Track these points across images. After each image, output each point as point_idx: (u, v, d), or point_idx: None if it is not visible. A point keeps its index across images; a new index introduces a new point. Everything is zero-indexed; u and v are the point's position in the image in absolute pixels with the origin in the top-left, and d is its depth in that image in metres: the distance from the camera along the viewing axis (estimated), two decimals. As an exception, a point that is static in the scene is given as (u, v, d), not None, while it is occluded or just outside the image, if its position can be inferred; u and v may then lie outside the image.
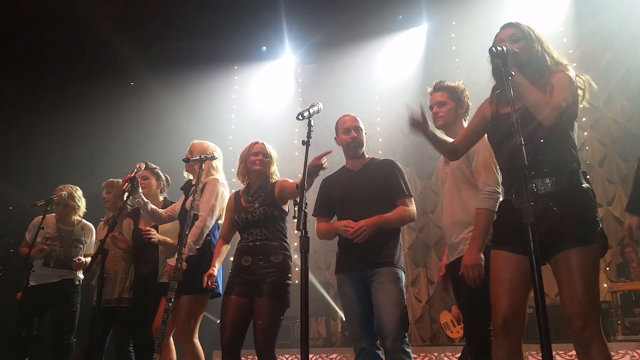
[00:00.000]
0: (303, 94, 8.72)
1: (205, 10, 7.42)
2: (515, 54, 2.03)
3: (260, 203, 3.07)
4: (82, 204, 4.33)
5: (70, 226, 4.28)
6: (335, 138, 3.11)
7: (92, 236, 4.33)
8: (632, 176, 7.98)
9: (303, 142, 2.32)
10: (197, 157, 3.23)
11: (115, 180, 4.08)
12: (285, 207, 3.15)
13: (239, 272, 3.01)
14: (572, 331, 1.91)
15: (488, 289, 2.14)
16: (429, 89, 2.90)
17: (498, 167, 2.47)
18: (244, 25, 7.80)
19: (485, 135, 2.36)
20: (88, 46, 7.36)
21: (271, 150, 3.23)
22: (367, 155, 3.08)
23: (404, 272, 2.85)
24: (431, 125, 2.35)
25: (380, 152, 7.76)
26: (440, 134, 2.45)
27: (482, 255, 2.43)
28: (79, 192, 4.33)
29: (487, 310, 2.18)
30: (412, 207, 2.91)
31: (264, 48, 8.74)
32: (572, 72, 2.09)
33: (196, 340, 3.24)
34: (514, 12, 6.98)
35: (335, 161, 3.13)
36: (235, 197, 3.22)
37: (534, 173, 1.97)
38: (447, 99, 2.79)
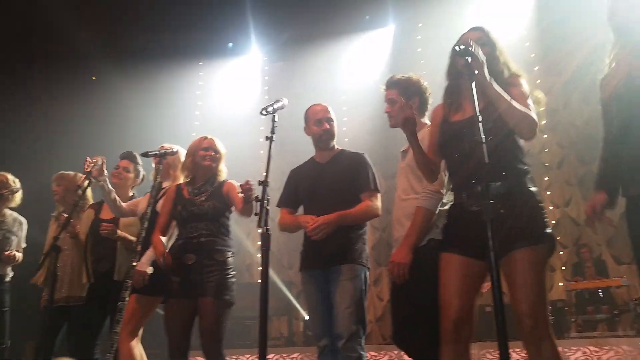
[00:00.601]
0: (269, 92, 8.65)
1: (171, 4, 7.28)
2: (479, 55, 2.05)
3: (208, 197, 2.99)
4: (17, 194, 3.98)
5: (0, 217, 3.94)
6: (304, 128, 3.00)
7: (24, 231, 4.03)
8: (590, 179, 8.23)
9: (267, 138, 2.28)
10: (157, 152, 3.14)
11: (65, 173, 3.90)
12: (232, 208, 3.08)
13: (182, 272, 2.89)
14: (523, 330, 1.93)
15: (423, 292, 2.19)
16: (382, 87, 2.81)
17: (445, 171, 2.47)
18: (210, 21, 7.69)
19: None
20: (48, 39, 7.11)
21: (221, 146, 3.15)
22: (336, 147, 2.99)
23: (368, 269, 2.79)
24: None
25: (346, 151, 7.77)
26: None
27: (411, 254, 2.40)
28: (12, 182, 4.00)
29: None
30: (377, 203, 2.83)
31: (230, 45, 8.64)
32: (525, 86, 2.13)
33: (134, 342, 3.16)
34: (479, 15, 7.12)
35: (308, 150, 3.08)
36: (177, 189, 3.12)
37: (491, 173, 1.99)
38: (397, 96, 2.68)
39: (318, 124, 2.93)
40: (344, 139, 8.20)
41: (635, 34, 1.95)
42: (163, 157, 3.13)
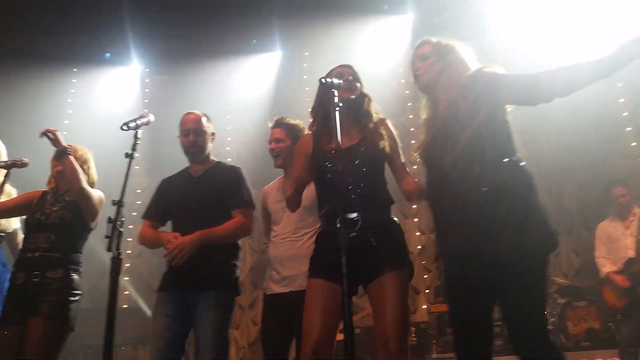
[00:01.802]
0: (149, 105, 8.27)
1: (46, 5, 6.72)
2: (351, 84, 2.16)
3: (61, 207, 2.80)
4: None
5: None
6: (178, 137, 2.87)
7: None
8: None
9: (126, 155, 2.15)
10: (3, 162, 2.84)
11: None
12: (92, 223, 2.89)
13: (12, 293, 2.65)
14: (386, 353, 2.00)
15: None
16: (270, 124, 2.87)
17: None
18: (86, 27, 7.23)
19: None
20: None
21: (86, 154, 3.06)
22: (211, 159, 2.87)
23: (238, 294, 2.67)
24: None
25: (228, 172, 7.67)
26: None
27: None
28: None
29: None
30: (249, 220, 2.70)
31: (108, 55, 8.16)
32: (392, 129, 2.34)
33: None
34: (360, 50, 7.52)
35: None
36: (42, 194, 2.96)
37: (362, 204, 2.11)
38: (284, 136, 2.80)
39: (185, 135, 2.80)
40: (227, 159, 8.18)
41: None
42: (9, 168, 2.84)
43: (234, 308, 2.69)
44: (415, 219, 7.80)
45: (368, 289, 2.12)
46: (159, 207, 2.79)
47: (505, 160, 1.90)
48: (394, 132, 2.33)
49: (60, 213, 2.79)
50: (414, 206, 7.82)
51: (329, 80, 2.04)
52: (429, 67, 2.06)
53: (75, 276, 2.75)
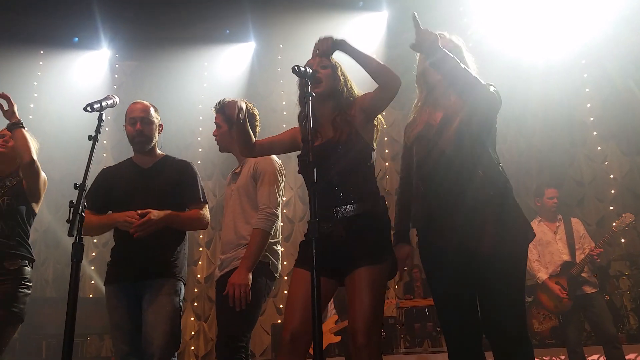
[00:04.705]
0: (119, 91, 8.08)
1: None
2: (317, 78, 2.12)
3: (4, 192, 2.68)
4: None
5: None
6: (123, 126, 2.79)
7: None
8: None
9: (89, 137, 2.07)
10: None
11: None
12: (36, 207, 2.78)
13: None
14: (354, 346, 1.99)
15: (250, 311, 2.32)
16: (212, 110, 2.84)
17: (280, 190, 2.60)
18: (54, 9, 6.98)
19: (275, 156, 2.59)
20: None
21: (32, 140, 2.85)
22: (159, 152, 2.81)
23: (184, 285, 2.66)
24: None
25: (199, 162, 7.55)
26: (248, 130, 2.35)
27: (251, 276, 2.43)
28: None
29: (241, 330, 2.38)
30: (207, 214, 2.74)
31: (76, 39, 7.91)
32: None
33: None
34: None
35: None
36: None
37: (342, 198, 2.10)
38: (221, 121, 2.78)
39: (131, 123, 2.71)
40: (198, 149, 8.09)
41: (436, 91, 2.20)
42: None
43: (182, 296, 2.63)
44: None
45: (345, 282, 2.10)
46: (99, 197, 2.67)
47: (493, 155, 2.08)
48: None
49: (4, 199, 2.65)
50: (385, 203, 7.85)
51: (300, 68, 1.99)
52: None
53: (28, 267, 2.64)
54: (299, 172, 2.17)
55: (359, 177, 2.14)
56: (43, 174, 2.80)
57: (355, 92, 2.30)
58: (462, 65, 2.01)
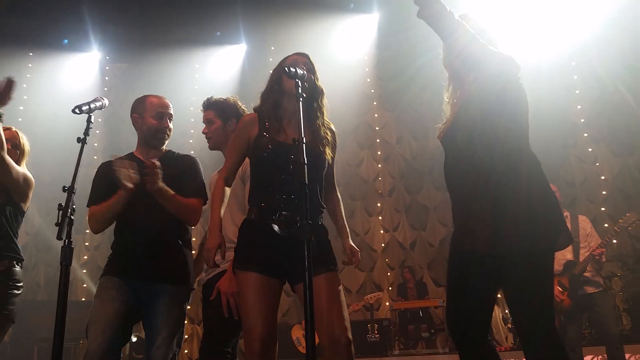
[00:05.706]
0: (109, 94, 8.02)
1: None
2: (307, 79, 2.10)
3: None
4: None
5: None
6: (134, 116, 2.66)
7: None
8: (416, 207, 8.81)
9: (78, 140, 2.03)
10: None
11: None
12: (24, 206, 2.74)
13: None
14: (340, 347, 1.97)
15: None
16: (200, 109, 2.76)
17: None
18: (44, 11, 6.92)
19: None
20: None
21: (25, 141, 2.86)
22: (164, 148, 2.74)
23: (192, 288, 2.62)
24: None
25: (190, 165, 7.53)
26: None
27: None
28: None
29: (227, 335, 2.33)
30: (200, 209, 2.63)
31: (66, 41, 7.85)
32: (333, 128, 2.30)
33: None
34: (327, 48, 7.52)
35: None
36: None
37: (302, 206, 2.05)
38: (214, 117, 2.67)
39: (159, 118, 2.63)
40: (190, 152, 8.01)
41: (467, 79, 2.09)
42: None
43: (188, 301, 2.60)
44: (380, 217, 7.85)
45: (297, 288, 2.08)
46: (105, 191, 2.55)
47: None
48: (337, 141, 2.31)
49: None
50: (379, 204, 7.87)
51: (292, 70, 1.98)
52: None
53: (17, 268, 2.59)
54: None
55: (319, 185, 2.18)
56: (21, 170, 2.71)
57: (326, 105, 2.29)
58: (467, 28, 1.97)
